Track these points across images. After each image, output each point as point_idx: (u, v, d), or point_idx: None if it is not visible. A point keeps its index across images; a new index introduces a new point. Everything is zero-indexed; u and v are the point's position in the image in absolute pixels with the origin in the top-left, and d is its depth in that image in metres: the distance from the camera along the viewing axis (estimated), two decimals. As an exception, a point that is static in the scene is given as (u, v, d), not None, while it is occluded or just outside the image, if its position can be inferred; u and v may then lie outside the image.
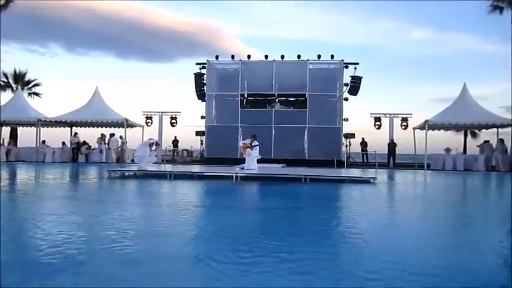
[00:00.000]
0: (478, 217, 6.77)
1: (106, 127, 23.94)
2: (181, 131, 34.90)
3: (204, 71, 21.68)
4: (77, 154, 21.75)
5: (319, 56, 20.96)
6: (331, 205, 8.00)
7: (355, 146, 22.39)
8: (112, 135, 22.69)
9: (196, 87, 21.68)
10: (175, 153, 24.38)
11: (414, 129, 21.23)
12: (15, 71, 30.32)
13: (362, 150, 22.90)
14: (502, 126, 20.01)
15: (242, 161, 13.95)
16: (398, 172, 17.68)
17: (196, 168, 14.71)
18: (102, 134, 22.59)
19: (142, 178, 12.08)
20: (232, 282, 2.99)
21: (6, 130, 26.19)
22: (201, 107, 21.88)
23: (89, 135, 23.43)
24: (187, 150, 24.56)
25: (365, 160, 22.99)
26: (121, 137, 22.59)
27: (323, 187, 10.82)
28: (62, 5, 43.48)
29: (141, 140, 18.39)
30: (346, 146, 21.37)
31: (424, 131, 19.58)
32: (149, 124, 23.42)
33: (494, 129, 21.08)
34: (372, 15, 54.12)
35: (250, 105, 21.62)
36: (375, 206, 7.55)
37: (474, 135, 29.89)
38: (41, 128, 22.91)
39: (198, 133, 22.54)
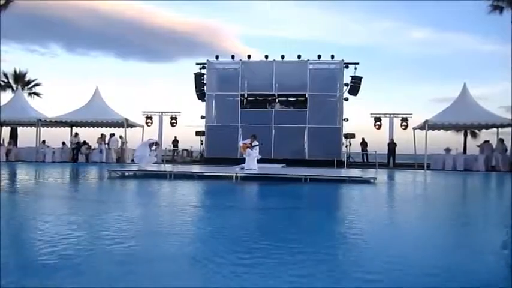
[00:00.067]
0: (478, 217, 6.77)
1: (106, 127, 23.94)
2: (181, 131, 34.92)
3: (204, 71, 21.69)
4: (77, 154, 21.75)
5: (319, 56, 20.96)
6: (331, 205, 8.00)
7: (355, 146, 22.45)
8: (112, 135, 22.70)
9: (196, 87, 21.68)
10: (175, 153, 24.38)
11: (414, 129, 21.23)
12: (15, 71, 30.36)
13: (362, 150, 22.91)
14: (502, 126, 20.00)
15: (242, 161, 13.95)
16: (398, 172, 17.68)
17: (196, 168, 14.71)
18: (102, 134, 22.60)
19: (142, 178, 12.08)
20: (232, 283, 2.98)
21: (6, 130, 26.22)
22: (201, 107, 21.94)
23: (89, 135, 23.49)
24: (187, 150, 24.56)
25: (365, 160, 22.99)
26: (121, 137, 22.59)
27: (323, 187, 10.82)
28: (62, 5, 43.52)
29: (141, 140, 18.41)
30: (346, 146, 21.39)
31: (424, 131, 19.58)
32: (149, 124, 23.42)
33: (494, 129, 21.08)
34: (372, 15, 54.17)
35: (250, 105, 21.62)
36: (375, 206, 7.55)
37: (474, 135, 29.89)
38: (41, 128, 22.91)
39: (198, 133, 22.54)
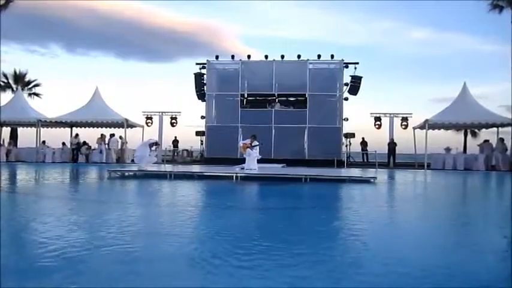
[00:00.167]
0: (478, 217, 6.77)
1: (106, 127, 23.95)
2: (181, 131, 34.98)
3: (204, 71, 21.69)
4: (77, 154, 21.76)
5: (319, 56, 20.95)
6: (332, 205, 8.00)
7: (355, 145, 22.47)
8: (112, 135, 22.71)
9: (196, 87, 21.68)
10: (175, 153, 24.39)
11: (414, 128, 21.23)
12: (15, 72, 30.40)
13: (362, 150, 22.92)
14: (502, 125, 20.00)
15: (242, 161, 13.95)
16: (399, 172, 17.68)
17: (196, 168, 14.72)
18: (102, 134, 22.60)
19: (142, 178, 12.08)
20: (231, 283, 2.98)
21: (6, 130, 26.22)
22: (201, 107, 21.94)
23: (89, 135, 23.50)
24: (187, 150, 24.57)
25: (365, 160, 23.00)
26: (121, 137, 22.60)
27: (323, 187, 10.82)
28: (62, 5, 43.57)
29: (141, 140, 18.41)
30: (346, 146, 21.40)
31: (424, 130, 19.58)
32: (149, 124, 23.41)
33: (494, 129, 21.08)
34: (372, 15, 54.17)
35: (250, 105, 21.63)
36: (375, 206, 7.55)
37: (474, 134, 29.89)
38: (41, 129, 22.92)
39: (198, 133, 22.55)
